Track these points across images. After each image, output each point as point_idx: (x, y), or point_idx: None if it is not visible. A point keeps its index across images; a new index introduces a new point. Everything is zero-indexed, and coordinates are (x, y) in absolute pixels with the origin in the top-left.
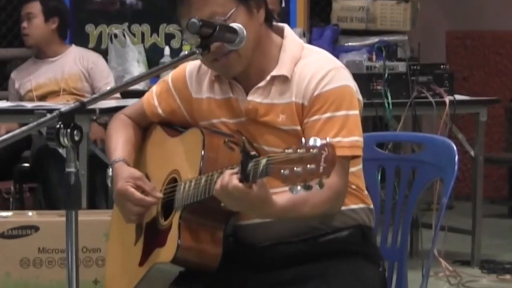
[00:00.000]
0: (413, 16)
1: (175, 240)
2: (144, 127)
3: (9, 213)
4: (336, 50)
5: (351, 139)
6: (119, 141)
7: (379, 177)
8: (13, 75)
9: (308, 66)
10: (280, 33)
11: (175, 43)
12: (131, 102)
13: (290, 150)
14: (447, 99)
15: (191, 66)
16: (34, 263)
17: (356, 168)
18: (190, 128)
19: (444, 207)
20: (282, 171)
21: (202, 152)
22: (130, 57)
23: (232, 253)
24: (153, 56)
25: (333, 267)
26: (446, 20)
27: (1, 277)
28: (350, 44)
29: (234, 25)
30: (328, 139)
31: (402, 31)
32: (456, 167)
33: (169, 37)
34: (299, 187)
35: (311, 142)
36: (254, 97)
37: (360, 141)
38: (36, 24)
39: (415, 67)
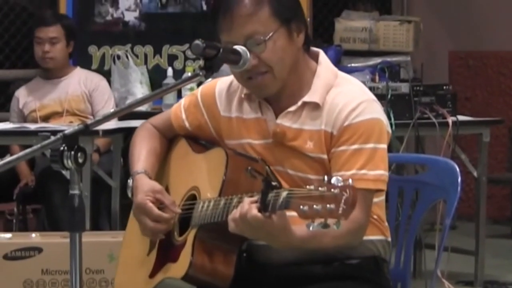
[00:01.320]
0: (415, 36)
1: (188, 257)
2: (170, 138)
3: (12, 235)
4: (339, 70)
5: (376, 173)
6: (143, 151)
7: None
8: (17, 94)
9: (340, 95)
10: (315, 58)
11: (178, 64)
12: (133, 123)
13: (312, 187)
14: (450, 119)
15: (222, 83)
16: (38, 284)
17: (379, 199)
18: (215, 144)
19: (447, 227)
20: (301, 206)
21: (224, 174)
22: (133, 78)
23: (244, 270)
24: (156, 77)
25: None
26: (449, 40)
27: None
28: (353, 64)
29: (238, 47)
30: (350, 181)
31: (405, 52)
32: (459, 188)
33: (172, 58)
34: (316, 224)
35: (333, 181)
36: (284, 121)
37: (385, 175)
38: (60, 48)
39: (418, 87)
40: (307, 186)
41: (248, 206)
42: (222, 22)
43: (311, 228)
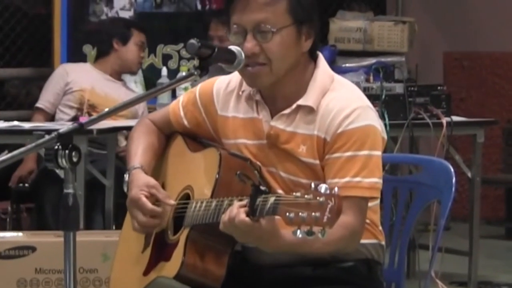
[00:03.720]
0: (410, 37)
1: (180, 257)
2: (168, 134)
3: (6, 234)
4: (333, 71)
5: (370, 180)
6: (140, 147)
7: None
8: (66, 67)
9: (335, 100)
10: (314, 61)
11: (172, 64)
12: (130, 122)
13: (298, 194)
14: (444, 120)
15: (220, 82)
16: (31, 283)
17: (373, 203)
18: (213, 142)
19: (441, 228)
20: (287, 213)
21: (217, 175)
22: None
23: (238, 270)
24: (150, 77)
25: None
26: (444, 41)
27: None
28: (347, 65)
29: (233, 47)
30: (336, 189)
31: (400, 52)
32: (453, 189)
33: (166, 58)
34: (301, 231)
35: (320, 189)
36: (278, 123)
37: (379, 183)
38: None
39: (412, 88)
40: (294, 193)
41: (237, 210)
42: (237, 3)
43: (297, 235)
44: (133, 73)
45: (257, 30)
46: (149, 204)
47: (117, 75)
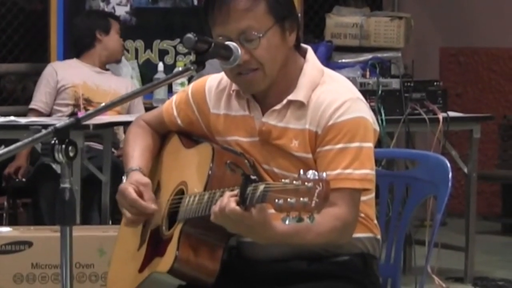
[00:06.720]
0: (406, 32)
1: (174, 251)
2: (162, 134)
3: (2, 229)
4: (330, 66)
5: (362, 172)
6: (136, 149)
7: None
8: (54, 66)
9: (325, 94)
10: (303, 55)
11: (168, 59)
12: (127, 118)
13: (287, 181)
14: (441, 115)
15: (212, 80)
16: (28, 278)
17: (367, 197)
18: (207, 139)
19: (438, 223)
20: (276, 200)
21: (210, 169)
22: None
23: (233, 265)
24: (146, 72)
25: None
26: (440, 36)
27: None
28: (344, 60)
29: (229, 43)
30: (325, 174)
31: (396, 48)
32: (449, 184)
33: (162, 53)
34: (291, 218)
35: (308, 175)
36: (269, 120)
37: (371, 174)
38: None
39: (408, 83)
40: (283, 180)
41: (227, 199)
42: (217, 15)
43: (286, 222)
44: (118, 61)
45: (243, 38)
46: (133, 194)
47: (104, 66)
